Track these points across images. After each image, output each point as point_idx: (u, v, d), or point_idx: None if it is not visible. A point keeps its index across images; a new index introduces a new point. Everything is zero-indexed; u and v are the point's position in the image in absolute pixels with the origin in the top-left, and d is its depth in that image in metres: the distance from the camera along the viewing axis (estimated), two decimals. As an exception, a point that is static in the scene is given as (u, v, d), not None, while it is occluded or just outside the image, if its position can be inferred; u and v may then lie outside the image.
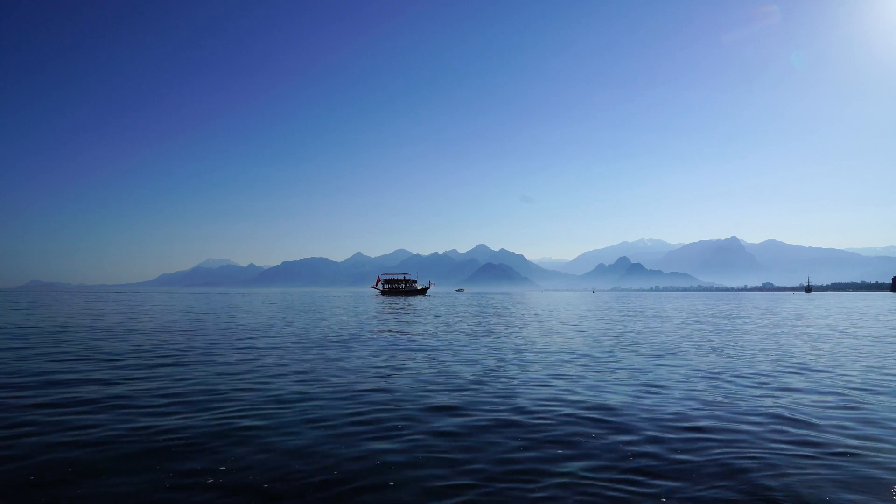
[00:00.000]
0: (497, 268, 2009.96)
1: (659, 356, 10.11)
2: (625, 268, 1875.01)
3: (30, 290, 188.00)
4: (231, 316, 23.15)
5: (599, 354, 10.30)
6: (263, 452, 4.23)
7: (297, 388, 6.78)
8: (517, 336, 14.19)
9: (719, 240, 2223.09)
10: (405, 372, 8.10)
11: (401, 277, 78.64)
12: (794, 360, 9.69)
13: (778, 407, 5.88)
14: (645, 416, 5.44)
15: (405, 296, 71.38)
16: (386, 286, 78.45)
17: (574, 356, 10.02)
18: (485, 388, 6.86)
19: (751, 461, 4.09)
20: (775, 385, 7.24)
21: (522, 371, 8.24)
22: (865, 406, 6.01)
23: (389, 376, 7.70)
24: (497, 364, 8.97)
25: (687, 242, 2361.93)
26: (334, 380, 7.37)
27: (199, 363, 8.87)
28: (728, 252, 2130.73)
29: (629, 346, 11.90)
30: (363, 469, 3.87)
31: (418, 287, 78.51)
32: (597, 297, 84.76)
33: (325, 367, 8.49)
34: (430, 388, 6.84)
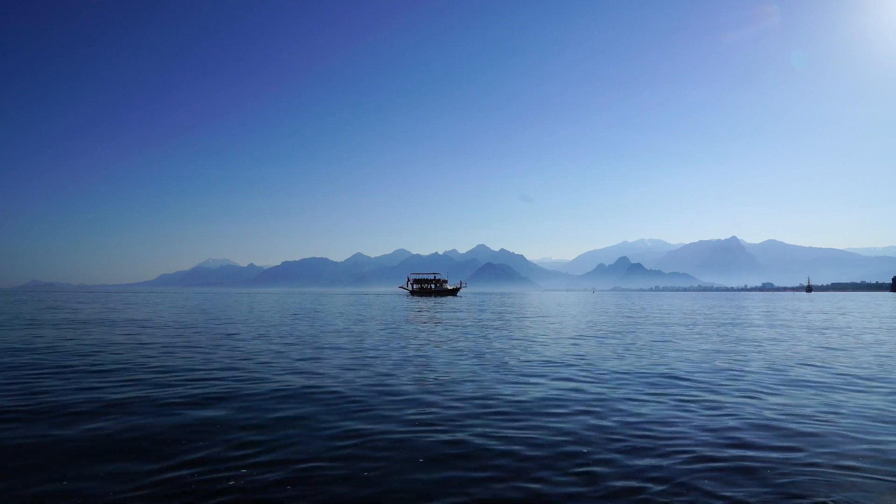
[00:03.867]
0: (497, 268, 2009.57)
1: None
2: (625, 268, 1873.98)
3: (30, 290, 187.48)
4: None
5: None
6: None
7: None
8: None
9: (719, 240, 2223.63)
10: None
11: (430, 277, 77.08)
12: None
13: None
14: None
15: (435, 296, 69.28)
16: (415, 286, 77.34)
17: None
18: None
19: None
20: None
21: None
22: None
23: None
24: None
25: (687, 242, 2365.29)
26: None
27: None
28: (728, 252, 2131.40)
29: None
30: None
31: (449, 287, 77.25)
32: (600, 298, 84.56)
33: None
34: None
